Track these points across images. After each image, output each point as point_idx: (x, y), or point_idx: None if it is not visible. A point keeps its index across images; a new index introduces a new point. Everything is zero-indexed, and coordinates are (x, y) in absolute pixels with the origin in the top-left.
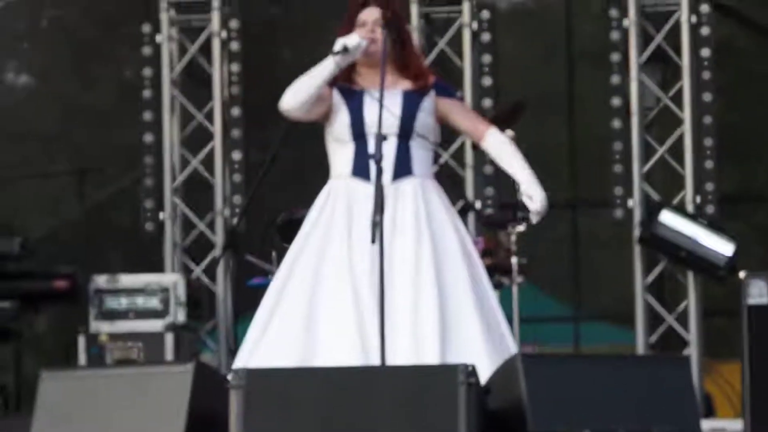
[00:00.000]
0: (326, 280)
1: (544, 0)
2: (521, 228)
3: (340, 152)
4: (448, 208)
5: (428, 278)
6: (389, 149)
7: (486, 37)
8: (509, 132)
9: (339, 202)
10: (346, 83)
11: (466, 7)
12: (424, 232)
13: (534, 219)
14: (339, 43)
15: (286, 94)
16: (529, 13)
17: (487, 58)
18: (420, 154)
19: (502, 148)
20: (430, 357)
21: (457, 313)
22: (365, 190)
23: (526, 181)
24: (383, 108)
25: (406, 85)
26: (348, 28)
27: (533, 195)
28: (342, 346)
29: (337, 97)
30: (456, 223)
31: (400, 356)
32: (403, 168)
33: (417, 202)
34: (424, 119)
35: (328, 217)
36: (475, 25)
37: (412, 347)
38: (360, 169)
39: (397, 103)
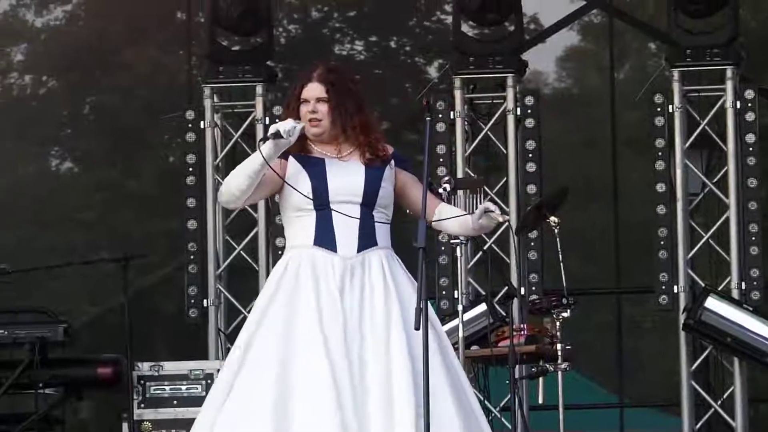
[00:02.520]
0: (299, 353)
1: (588, 86)
2: (566, 314)
3: (300, 222)
4: (410, 280)
5: (400, 353)
6: (353, 221)
7: (530, 122)
8: (553, 218)
9: (302, 272)
10: (301, 152)
11: (510, 93)
12: (393, 306)
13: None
14: (272, 128)
15: (223, 188)
16: (573, 99)
17: (531, 144)
18: (381, 225)
19: (449, 211)
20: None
21: (433, 388)
22: (330, 259)
23: (480, 208)
24: (343, 176)
25: (364, 154)
26: (290, 105)
27: (489, 206)
28: (319, 423)
29: (295, 166)
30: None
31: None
32: (368, 239)
33: (384, 274)
34: (386, 190)
35: (290, 286)
36: (519, 111)
37: (391, 424)
38: (323, 239)
39: (360, 173)
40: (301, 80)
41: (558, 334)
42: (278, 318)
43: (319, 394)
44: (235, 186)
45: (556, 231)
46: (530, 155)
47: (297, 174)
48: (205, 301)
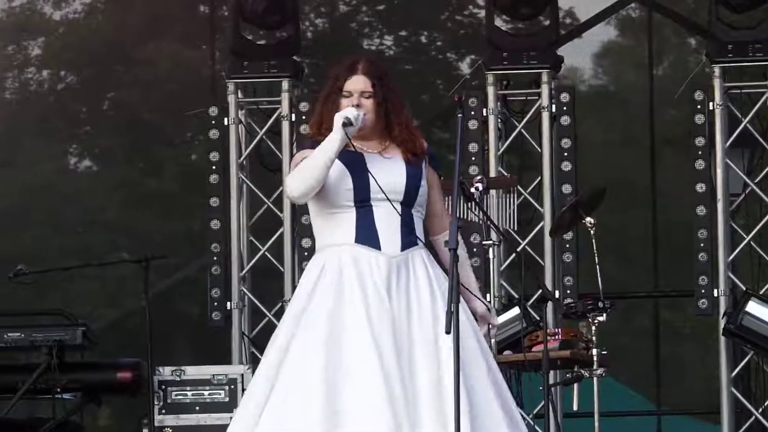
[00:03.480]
0: (348, 350)
1: (626, 83)
2: (601, 318)
3: (338, 219)
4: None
5: (449, 356)
6: (394, 217)
7: (565, 120)
8: (589, 219)
9: (346, 271)
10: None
11: (544, 90)
12: (439, 307)
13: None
14: (341, 117)
15: (293, 182)
16: (609, 96)
17: (566, 142)
18: (419, 223)
19: (463, 260)
20: None
21: (477, 391)
22: (374, 256)
23: (480, 313)
24: (385, 173)
25: (405, 152)
26: (331, 96)
27: (486, 318)
28: (370, 417)
29: (336, 163)
30: (463, 304)
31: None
32: (410, 237)
33: (428, 274)
34: (425, 188)
35: (333, 284)
36: (554, 108)
37: (442, 419)
38: (365, 237)
39: (401, 171)
40: (342, 72)
41: (593, 338)
42: (321, 317)
43: (372, 394)
44: (314, 178)
45: (592, 232)
46: (565, 154)
47: (337, 169)
48: (228, 303)
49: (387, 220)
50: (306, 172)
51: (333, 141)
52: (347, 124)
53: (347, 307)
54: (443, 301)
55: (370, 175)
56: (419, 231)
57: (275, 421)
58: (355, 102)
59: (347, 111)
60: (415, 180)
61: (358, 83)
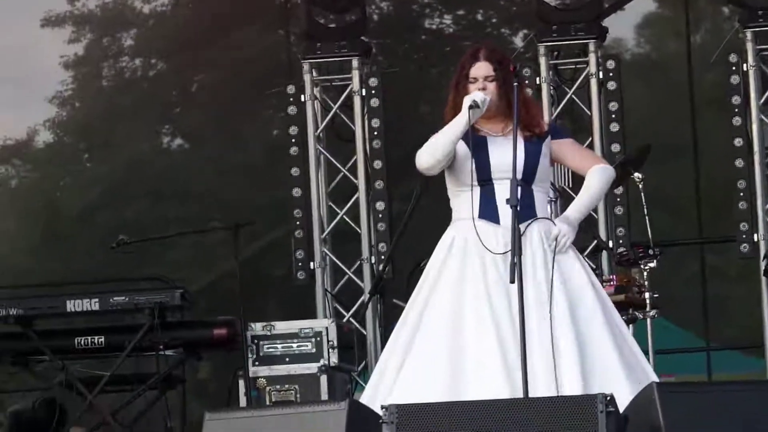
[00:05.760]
0: (468, 317)
1: (666, 50)
2: (652, 265)
3: (465, 196)
4: (571, 246)
5: (563, 315)
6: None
7: (612, 85)
8: (637, 174)
9: (470, 243)
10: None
11: (592, 58)
12: (555, 278)
13: (555, 249)
14: (469, 99)
15: (423, 154)
16: (651, 64)
17: (614, 105)
18: (540, 197)
19: (583, 187)
20: (573, 392)
21: (593, 346)
22: (494, 231)
23: (561, 219)
24: (504, 153)
25: (523, 132)
26: (459, 83)
27: (556, 233)
28: (489, 381)
29: (461, 143)
30: (581, 260)
31: (541, 393)
32: (528, 211)
33: (543, 243)
34: (544, 164)
35: (458, 257)
36: (601, 75)
37: (555, 383)
38: (486, 212)
39: (520, 150)
40: (467, 60)
41: (646, 283)
42: (449, 282)
43: (490, 364)
44: (441, 152)
45: (640, 186)
46: (613, 116)
47: (463, 152)
48: (311, 263)
49: (506, 196)
50: (434, 146)
51: (460, 120)
52: (474, 106)
53: (469, 283)
54: (559, 268)
55: (490, 156)
56: (539, 206)
57: (404, 390)
58: (481, 86)
59: (474, 95)
60: (534, 158)
61: (481, 69)
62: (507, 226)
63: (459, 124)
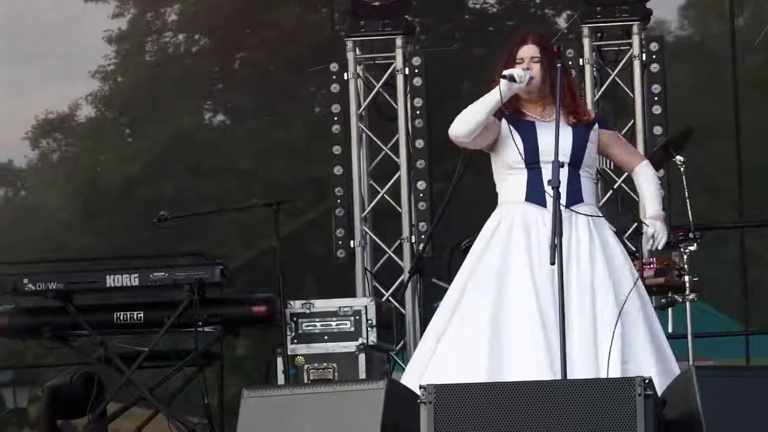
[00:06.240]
0: (511, 298)
1: (709, 33)
2: (692, 248)
3: (512, 179)
4: (613, 235)
5: (606, 300)
6: (563, 177)
7: (655, 67)
8: (679, 157)
9: (516, 227)
10: (514, 114)
11: (636, 40)
12: (598, 257)
13: (653, 246)
14: (507, 72)
15: (456, 123)
16: (695, 46)
17: (656, 88)
18: (587, 182)
19: (643, 183)
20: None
21: (632, 334)
22: (541, 214)
23: (651, 217)
24: (552, 138)
25: (569, 118)
26: (507, 64)
27: (652, 232)
28: (530, 364)
29: (506, 127)
30: (622, 249)
31: (582, 377)
32: (575, 195)
33: (590, 228)
34: (591, 151)
35: (503, 239)
36: (644, 57)
37: (594, 367)
38: (534, 195)
39: (568, 135)
40: (515, 44)
41: (685, 266)
42: (492, 264)
43: (530, 337)
44: (473, 121)
45: (682, 169)
46: (656, 98)
47: (509, 134)
48: (351, 242)
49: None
50: (466, 116)
51: (494, 92)
52: (509, 78)
53: (513, 263)
54: (603, 249)
55: (538, 139)
56: (585, 191)
57: (443, 370)
58: (525, 66)
59: (512, 69)
60: (581, 142)
61: (527, 51)
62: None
63: (493, 94)
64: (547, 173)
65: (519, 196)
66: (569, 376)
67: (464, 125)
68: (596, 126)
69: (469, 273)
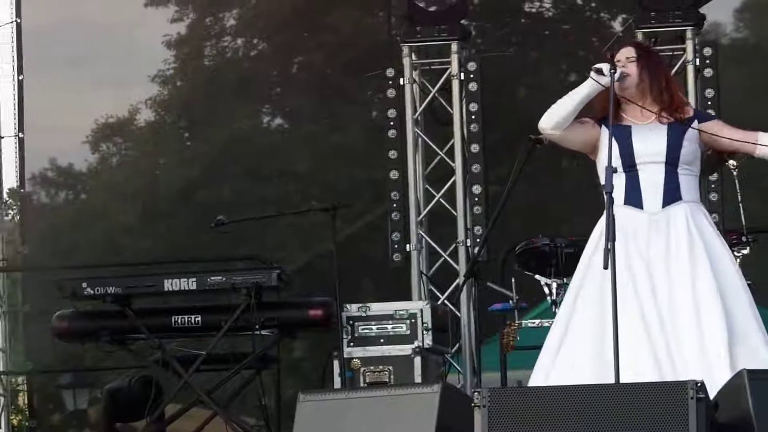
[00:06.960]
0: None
1: (765, 35)
2: (745, 251)
3: (615, 183)
4: (716, 231)
5: (709, 298)
6: (658, 177)
7: (709, 72)
8: (732, 161)
9: (617, 228)
10: (614, 121)
11: (689, 46)
12: (699, 255)
13: None
14: (596, 66)
15: (544, 115)
16: (751, 48)
17: (710, 92)
18: (687, 180)
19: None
20: (721, 372)
21: (741, 329)
22: (638, 216)
23: None
24: (647, 139)
25: (663, 115)
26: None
27: None
28: (635, 369)
29: (606, 134)
30: (725, 244)
31: (691, 374)
32: (672, 194)
33: (689, 226)
34: (689, 148)
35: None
36: (698, 62)
37: (703, 363)
38: (631, 198)
39: (662, 134)
40: (616, 48)
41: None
42: (598, 266)
43: (635, 345)
44: (560, 115)
45: (735, 173)
46: (709, 103)
47: (607, 141)
48: (407, 245)
49: (651, 181)
50: (556, 107)
51: (583, 85)
52: (597, 71)
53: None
54: (704, 246)
55: (633, 143)
56: (685, 188)
57: (562, 373)
58: (622, 65)
59: (602, 64)
60: (676, 141)
61: (624, 52)
62: (651, 210)
63: (582, 87)
64: (643, 175)
65: (619, 199)
66: (681, 374)
67: (551, 117)
68: (695, 122)
69: (581, 280)
